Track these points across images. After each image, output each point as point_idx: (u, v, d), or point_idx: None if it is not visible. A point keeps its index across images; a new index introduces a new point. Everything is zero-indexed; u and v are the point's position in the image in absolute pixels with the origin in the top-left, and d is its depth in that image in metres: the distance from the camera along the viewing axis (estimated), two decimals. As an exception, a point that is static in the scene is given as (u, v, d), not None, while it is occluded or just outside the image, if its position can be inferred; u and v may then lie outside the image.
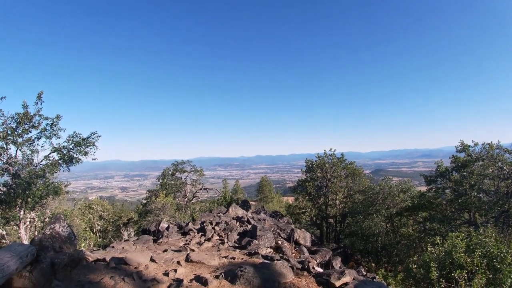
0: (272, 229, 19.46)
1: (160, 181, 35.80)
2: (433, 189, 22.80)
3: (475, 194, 19.45)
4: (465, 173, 20.18)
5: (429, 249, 11.29)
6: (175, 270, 7.69)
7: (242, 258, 10.64)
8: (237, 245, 14.11)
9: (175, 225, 18.22)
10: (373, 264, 22.61)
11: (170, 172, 36.04)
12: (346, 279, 7.79)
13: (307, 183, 30.24)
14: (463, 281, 8.90)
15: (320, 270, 10.68)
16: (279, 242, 15.05)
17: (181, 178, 36.13)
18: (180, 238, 14.79)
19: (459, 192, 19.92)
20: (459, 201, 19.53)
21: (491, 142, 19.75)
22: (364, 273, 15.95)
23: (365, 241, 25.83)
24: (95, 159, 16.73)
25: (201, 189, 37.39)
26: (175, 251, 11.71)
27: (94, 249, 13.32)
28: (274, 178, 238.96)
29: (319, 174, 30.53)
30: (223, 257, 10.49)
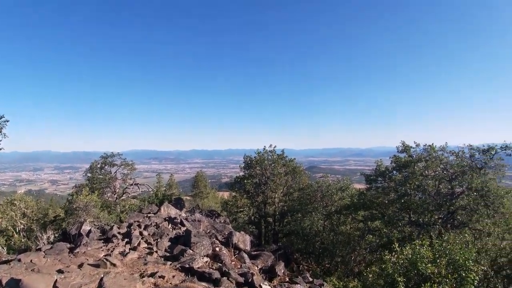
0: (208, 231, 17.53)
1: (89, 175, 32.02)
2: (373, 189, 22.29)
3: (419, 195, 19.12)
4: (406, 173, 19.81)
5: (386, 257, 10.03)
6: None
7: (173, 276, 8.51)
8: (168, 254, 11.92)
9: (98, 228, 15.68)
10: (314, 265, 21.70)
11: (98, 166, 32.58)
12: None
13: (245, 180, 28.45)
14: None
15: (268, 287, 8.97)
16: (217, 248, 13.09)
17: (111, 172, 32.59)
18: (101, 247, 12.37)
19: (402, 193, 19.50)
20: (402, 201, 19.09)
21: (433, 143, 19.53)
22: (310, 279, 14.61)
23: (306, 241, 24.87)
24: (0, 149, 13.60)
25: (132, 184, 34.14)
26: (92, 265, 9.41)
27: (3, 258, 10.50)
28: (209, 173, 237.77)
29: (258, 171, 28.87)
30: (149, 276, 8.23)
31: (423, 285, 8.08)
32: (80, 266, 9.40)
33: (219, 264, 11.42)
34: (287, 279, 13.83)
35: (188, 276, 9.11)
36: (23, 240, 23.36)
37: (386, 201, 20.53)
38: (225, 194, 62.91)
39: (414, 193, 19.26)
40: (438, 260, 8.92)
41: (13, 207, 26.09)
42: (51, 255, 11.08)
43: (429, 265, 8.67)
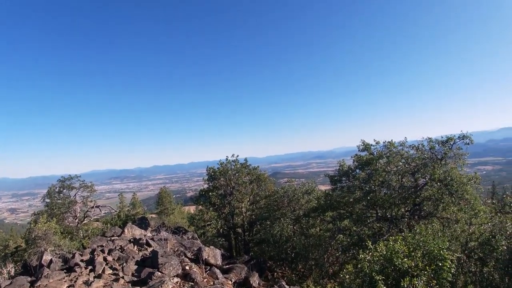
0: (176, 249, 16.75)
1: (47, 200, 30.31)
2: (338, 189, 22.46)
3: (384, 190, 19.44)
4: (369, 171, 20.11)
5: (361, 256, 9.87)
6: None
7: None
8: (136, 279, 11.14)
9: (59, 257, 14.57)
10: (289, 271, 21.42)
11: (56, 190, 30.98)
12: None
13: (210, 193, 27.72)
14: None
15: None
16: (187, 267, 12.42)
17: (70, 196, 30.98)
18: (64, 278, 11.50)
19: (367, 190, 19.74)
20: (368, 198, 19.32)
21: (392, 140, 20.01)
22: (286, 286, 14.27)
23: (278, 248, 24.59)
24: None
25: (93, 207, 32.64)
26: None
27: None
28: (173, 188, 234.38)
29: (222, 182, 28.28)
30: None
31: (402, 280, 7.97)
32: (42, 301, 8.56)
33: (190, 283, 10.82)
34: (263, 290, 13.43)
35: (158, 301, 8.45)
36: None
37: (352, 200, 20.72)
38: (191, 209, 61.51)
39: (379, 189, 19.58)
40: (413, 253, 8.90)
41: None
42: (11, 291, 10.19)
43: (405, 259, 8.62)
